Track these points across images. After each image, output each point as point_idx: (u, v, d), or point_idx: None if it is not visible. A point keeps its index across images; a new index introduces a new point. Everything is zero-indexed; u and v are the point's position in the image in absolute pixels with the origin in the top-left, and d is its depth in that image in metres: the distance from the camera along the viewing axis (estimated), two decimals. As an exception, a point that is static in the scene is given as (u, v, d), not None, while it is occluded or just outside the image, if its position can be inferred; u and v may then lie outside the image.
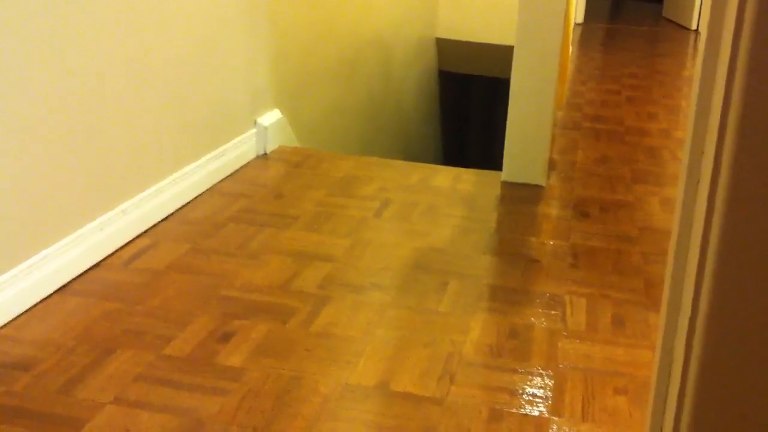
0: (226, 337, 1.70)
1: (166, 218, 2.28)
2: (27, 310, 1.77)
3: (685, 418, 0.79)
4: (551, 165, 2.80)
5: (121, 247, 2.09)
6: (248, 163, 2.78)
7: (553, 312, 1.84)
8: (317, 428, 1.42)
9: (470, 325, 1.79)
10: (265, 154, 2.86)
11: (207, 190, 2.50)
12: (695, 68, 0.77)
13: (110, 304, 1.82)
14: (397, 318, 1.82)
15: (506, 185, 2.63)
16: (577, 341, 1.73)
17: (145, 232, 2.19)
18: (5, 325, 1.71)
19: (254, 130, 2.81)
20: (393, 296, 1.91)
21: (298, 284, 1.93)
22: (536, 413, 1.48)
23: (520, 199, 2.53)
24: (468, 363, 1.64)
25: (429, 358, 1.65)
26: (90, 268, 1.97)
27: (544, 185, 2.63)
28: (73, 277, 1.92)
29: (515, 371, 1.61)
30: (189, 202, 2.40)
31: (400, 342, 1.72)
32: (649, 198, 2.59)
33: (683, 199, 0.80)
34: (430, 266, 2.06)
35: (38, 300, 1.81)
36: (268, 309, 1.82)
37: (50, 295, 1.84)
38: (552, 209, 2.46)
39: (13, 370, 1.56)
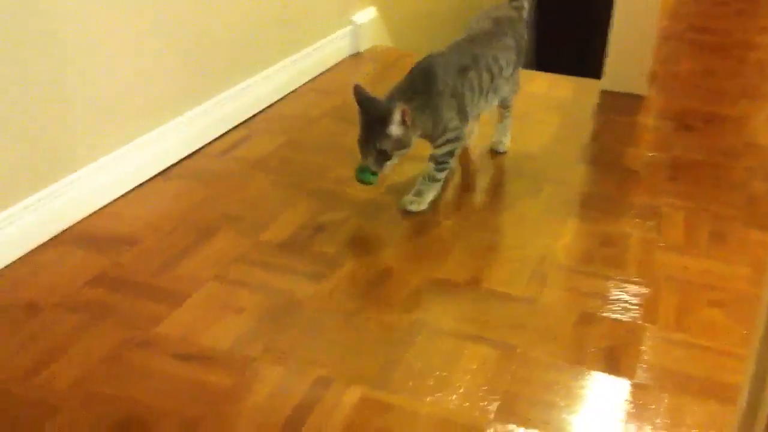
0: (320, 228, 1.72)
1: (262, 111, 2.30)
2: (130, 191, 1.83)
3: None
4: (653, 76, 2.69)
5: (219, 137, 2.12)
6: (341, 61, 2.76)
7: (649, 223, 1.80)
8: (407, 317, 1.45)
9: (563, 231, 1.77)
10: (359, 52, 2.83)
11: (301, 86, 2.51)
12: None
13: (208, 190, 1.87)
14: (489, 220, 1.81)
15: (605, 94, 2.54)
16: (673, 253, 1.69)
17: (242, 124, 2.21)
18: (110, 204, 1.77)
19: (349, 28, 2.78)
20: (485, 199, 1.90)
21: (392, 181, 1.94)
22: (628, 319, 1.47)
23: (619, 108, 2.45)
24: (560, 267, 1.63)
25: (520, 260, 1.65)
26: (188, 156, 2.01)
27: (645, 95, 2.54)
28: (173, 163, 1.97)
29: (608, 278, 1.59)
30: (284, 97, 2.41)
31: (491, 243, 1.71)
32: (756, 113, 2.47)
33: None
34: (524, 172, 2.03)
35: (140, 182, 1.86)
36: (360, 203, 1.83)
37: (151, 179, 1.89)
38: (652, 120, 2.38)
39: (119, 244, 1.63)
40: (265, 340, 1.38)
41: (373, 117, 1.70)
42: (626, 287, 1.56)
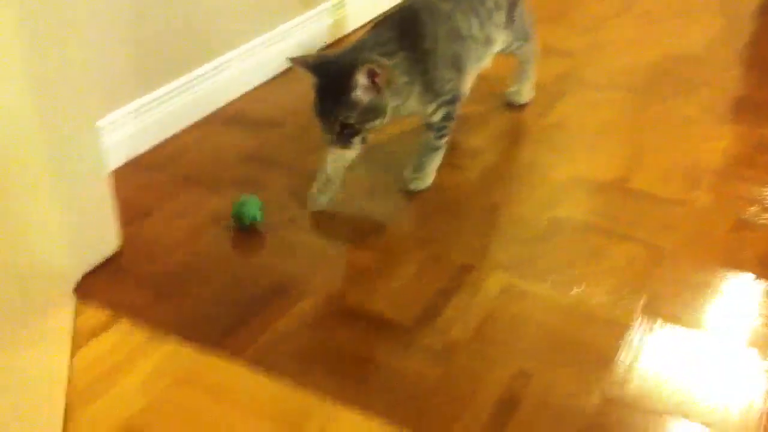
0: (464, 120, 1.69)
1: (404, 3, 2.26)
2: (274, 78, 1.85)
3: None
4: (827, -24, 2.46)
5: (364, 24, 2.10)
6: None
7: (816, 130, 1.68)
8: (551, 212, 1.42)
9: (720, 133, 1.67)
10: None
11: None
12: None
13: (351, 78, 1.86)
14: (639, 119, 1.73)
15: (772, -6, 2.35)
16: (843, 162, 1.57)
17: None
18: (255, 89, 1.80)
19: None
20: (635, 98, 1.81)
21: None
22: (789, 227, 1.39)
23: (787, 9, 2.27)
24: (715, 171, 1.55)
25: (672, 161, 1.57)
26: (332, 44, 2.00)
27: (817, -3, 2.33)
28: (317, 50, 1.97)
29: (767, 184, 1.50)
30: None
31: (640, 143, 1.64)
32: None
33: None
34: (680, 72, 1.92)
35: (283, 69, 1.88)
36: (503, 98, 1.78)
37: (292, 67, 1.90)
38: (825, 23, 2.19)
39: (265, 126, 1.66)
40: (409, 225, 1.39)
41: (330, 79, 1.28)
42: (788, 195, 1.47)
